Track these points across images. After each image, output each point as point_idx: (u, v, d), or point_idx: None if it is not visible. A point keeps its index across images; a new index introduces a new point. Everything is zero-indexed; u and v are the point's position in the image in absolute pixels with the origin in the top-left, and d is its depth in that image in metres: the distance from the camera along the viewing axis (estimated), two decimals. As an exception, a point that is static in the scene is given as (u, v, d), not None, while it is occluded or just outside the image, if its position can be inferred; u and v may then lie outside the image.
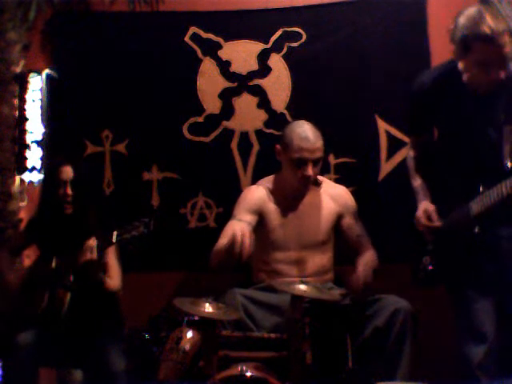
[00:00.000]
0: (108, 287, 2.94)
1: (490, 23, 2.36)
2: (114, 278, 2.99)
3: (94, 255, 2.81)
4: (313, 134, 2.97)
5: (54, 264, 2.92)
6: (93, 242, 2.83)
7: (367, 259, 3.00)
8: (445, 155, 2.70)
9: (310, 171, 2.95)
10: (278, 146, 3.07)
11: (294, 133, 2.99)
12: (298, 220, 3.07)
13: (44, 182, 3.24)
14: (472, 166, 2.57)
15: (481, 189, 2.50)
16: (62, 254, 2.91)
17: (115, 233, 2.78)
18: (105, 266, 2.95)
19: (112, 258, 2.99)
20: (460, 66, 2.54)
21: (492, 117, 2.55)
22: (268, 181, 3.17)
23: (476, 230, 2.51)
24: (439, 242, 2.66)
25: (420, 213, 2.67)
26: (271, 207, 3.07)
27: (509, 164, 2.49)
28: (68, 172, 2.96)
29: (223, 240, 2.86)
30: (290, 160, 2.99)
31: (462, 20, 2.44)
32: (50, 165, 3.37)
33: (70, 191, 2.94)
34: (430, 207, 2.66)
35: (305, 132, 2.97)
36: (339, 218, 3.12)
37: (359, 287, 2.80)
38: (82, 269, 2.84)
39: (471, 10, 2.43)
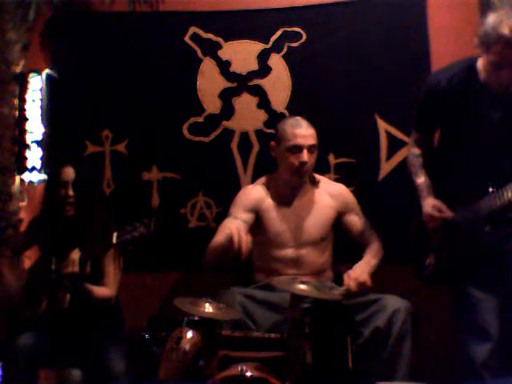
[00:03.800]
0: (97, 297, 2.90)
1: None
2: (109, 286, 2.95)
3: (76, 268, 2.80)
4: (304, 123, 3.07)
5: (53, 265, 2.92)
6: (75, 255, 2.82)
7: (368, 258, 2.99)
8: (454, 153, 2.69)
9: (305, 157, 2.99)
10: (272, 143, 3.14)
11: (286, 124, 3.10)
12: (295, 217, 3.08)
13: (47, 182, 3.23)
14: (482, 164, 2.57)
15: (490, 189, 2.51)
16: (62, 255, 2.91)
17: (115, 234, 2.77)
18: (101, 274, 2.94)
19: (110, 264, 2.96)
20: (479, 63, 2.54)
21: (506, 117, 2.55)
22: (264, 180, 3.20)
23: (487, 228, 2.51)
24: (444, 240, 2.66)
25: (429, 208, 2.67)
26: (268, 205, 3.09)
27: None
28: (69, 173, 2.96)
29: (218, 237, 2.87)
30: (285, 150, 3.04)
31: (490, 17, 2.46)
32: (52, 165, 3.36)
33: (71, 192, 2.93)
34: (438, 202, 2.66)
35: (296, 121, 3.08)
36: (340, 215, 3.14)
37: (351, 287, 2.80)
38: (66, 281, 2.83)
39: (502, 11, 2.46)
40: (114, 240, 2.77)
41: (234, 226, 2.78)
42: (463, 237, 2.59)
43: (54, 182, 3.01)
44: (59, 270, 2.86)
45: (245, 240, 2.59)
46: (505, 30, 2.37)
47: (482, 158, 2.58)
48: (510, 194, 2.45)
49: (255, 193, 3.14)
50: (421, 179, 2.77)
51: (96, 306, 2.91)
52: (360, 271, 2.86)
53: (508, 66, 2.43)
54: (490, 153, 2.57)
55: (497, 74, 2.46)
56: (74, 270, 2.80)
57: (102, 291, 2.93)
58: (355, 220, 3.13)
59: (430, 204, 2.67)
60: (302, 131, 3.02)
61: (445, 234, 2.65)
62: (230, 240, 2.60)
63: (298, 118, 3.11)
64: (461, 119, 2.63)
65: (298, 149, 3.00)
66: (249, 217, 3.03)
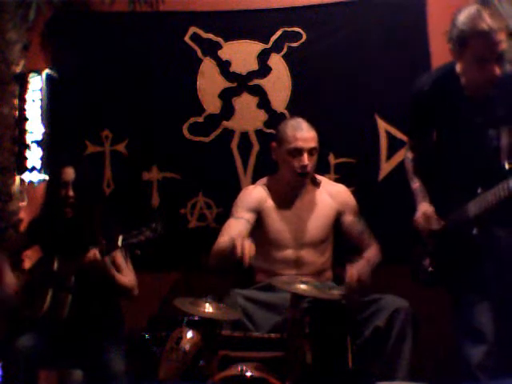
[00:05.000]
0: (122, 283, 2.92)
1: (487, 20, 2.39)
2: (129, 276, 2.97)
3: (98, 256, 2.81)
4: (306, 125, 3.04)
5: (55, 266, 2.92)
6: (96, 247, 2.83)
7: (368, 257, 2.99)
8: (444, 157, 2.70)
9: (305, 160, 2.98)
10: (273, 144, 3.12)
11: (287, 126, 3.06)
12: (296, 218, 3.07)
13: (48, 183, 3.23)
14: (470, 167, 2.57)
15: (479, 190, 2.51)
16: (63, 256, 2.90)
17: (121, 237, 2.78)
18: (115, 264, 2.93)
19: (122, 261, 2.96)
20: (458, 67, 2.55)
21: (490, 119, 2.55)
22: (265, 180, 3.19)
23: (474, 231, 2.51)
24: (438, 244, 2.66)
25: (419, 215, 2.68)
26: (269, 206, 3.08)
27: (507, 165, 2.50)
28: (70, 173, 2.95)
29: (222, 238, 2.87)
30: (285, 152, 3.02)
31: (460, 17, 2.46)
32: (52, 166, 3.35)
33: (71, 193, 2.93)
34: (429, 210, 2.66)
35: (298, 123, 3.04)
36: (339, 215, 3.13)
37: (353, 284, 2.77)
38: (86, 269, 2.83)
39: (470, 9, 2.46)
40: (120, 243, 2.77)
41: (237, 232, 2.78)
42: (454, 240, 2.59)
43: (54, 183, 3.01)
44: (61, 272, 2.87)
45: (248, 247, 2.58)
46: (482, 25, 2.39)
47: (470, 161, 2.58)
48: (493, 197, 2.45)
49: (256, 193, 3.13)
50: (415, 184, 2.78)
51: (119, 294, 2.95)
52: (362, 266, 2.84)
53: (488, 61, 2.44)
54: (477, 155, 2.57)
55: (479, 71, 2.47)
56: (97, 257, 2.81)
57: (124, 279, 2.94)
58: (353, 221, 3.12)
59: (420, 210, 2.68)
60: (303, 134, 3.00)
61: (438, 238, 2.65)
62: (233, 246, 2.59)
63: (300, 119, 3.08)
64: (446, 123, 2.64)
65: (298, 152, 2.99)
66: (251, 216, 3.03)
